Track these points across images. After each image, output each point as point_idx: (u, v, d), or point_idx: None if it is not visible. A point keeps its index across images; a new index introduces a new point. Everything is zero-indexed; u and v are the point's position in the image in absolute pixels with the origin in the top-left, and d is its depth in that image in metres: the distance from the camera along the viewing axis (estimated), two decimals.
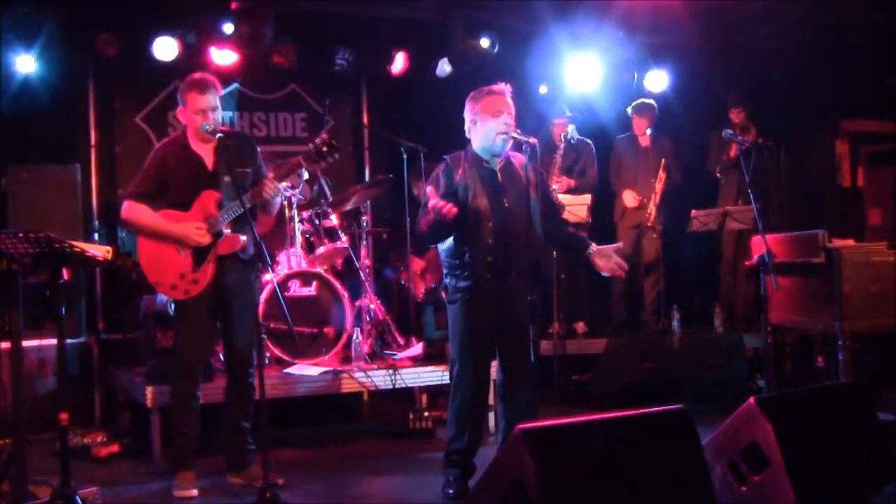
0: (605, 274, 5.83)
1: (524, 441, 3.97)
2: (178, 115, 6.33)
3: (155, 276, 6.08)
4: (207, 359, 6.37)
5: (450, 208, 5.42)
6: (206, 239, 6.00)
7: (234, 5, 8.59)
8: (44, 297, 5.73)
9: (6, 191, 8.24)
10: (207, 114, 6.05)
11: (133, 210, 6.08)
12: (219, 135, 5.88)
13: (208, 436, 6.39)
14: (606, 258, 5.76)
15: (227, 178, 6.03)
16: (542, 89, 10.37)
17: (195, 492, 6.03)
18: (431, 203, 5.46)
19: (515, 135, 5.68)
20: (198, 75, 6.22)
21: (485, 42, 9.51)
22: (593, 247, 5.81)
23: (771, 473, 4.45)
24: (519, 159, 5.85)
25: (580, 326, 9.73)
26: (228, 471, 6.33)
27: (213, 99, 6.11)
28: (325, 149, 6.03)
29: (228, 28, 8.63)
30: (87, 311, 8.61)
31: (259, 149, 6.44)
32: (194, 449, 6.18)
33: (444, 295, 5.98)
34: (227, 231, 6.06)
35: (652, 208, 9.63)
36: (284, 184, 8.21)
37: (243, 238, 6.07)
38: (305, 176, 8.73)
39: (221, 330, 6.28)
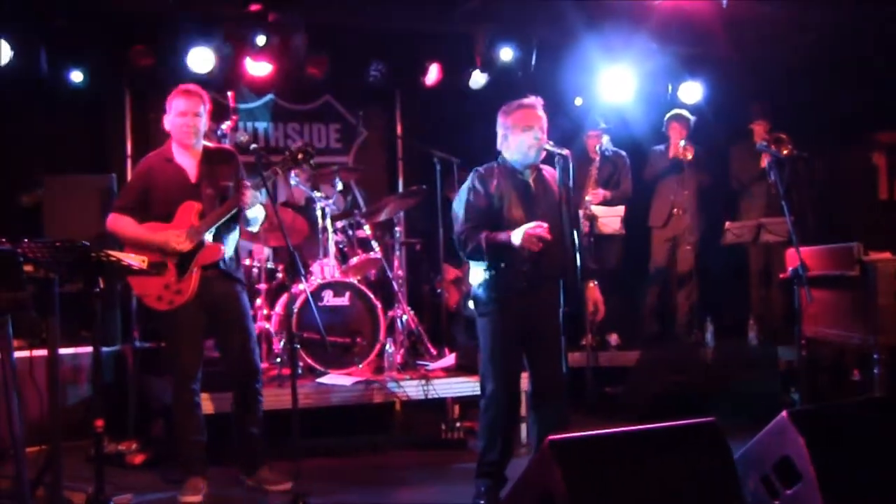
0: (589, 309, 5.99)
1: (554, 453, 3.96)
2: (163, 124, 6.36)
3: (140, 288, 6.15)
4: (200, 365, 6.33)
5: (543, 237, 5.48)
6: (184, 245, 6.04)
7: (269, 17, 8.63)
8: (80, 306, 5.78)
9: (43, 200, 8.32)
10: (187, 117, 6.15)
11: (117, 222, 6.20)
12: (244, 141, 6.02)
13: (219, 444, 6.43)
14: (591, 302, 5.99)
15: (209, 191, 6.12)
16: (578, 101, 10.36)
17: (200, 497, 6.07)
18: (532, 231, 5.48)
19: (548, 146, 5.69)
20: (185, 85, 6.33)
21: (509, 53, 9.51)
22: (591, 284, 6.00)
23: (803, 487, 4.41)
24: (550, 172, 5.86)
25: (613, 338, 9.69)
26: (240, 474, 6.42)
27: (196, 105, 6.19)
28: (300, 155, 6.10)
29: (261, 39, 8.68)
30: (122, 319, 8.66)
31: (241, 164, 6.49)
32: (201, 455, 6.23)
33: (471, 307, 6.00)
34: (209, 241, 6.11)
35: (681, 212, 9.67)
36: (310, 187, 8.28)
37: (224, 247, 6.13)
38: (339, 187, 8.77)
39: (216, 343, 6.34)
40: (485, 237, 5.63)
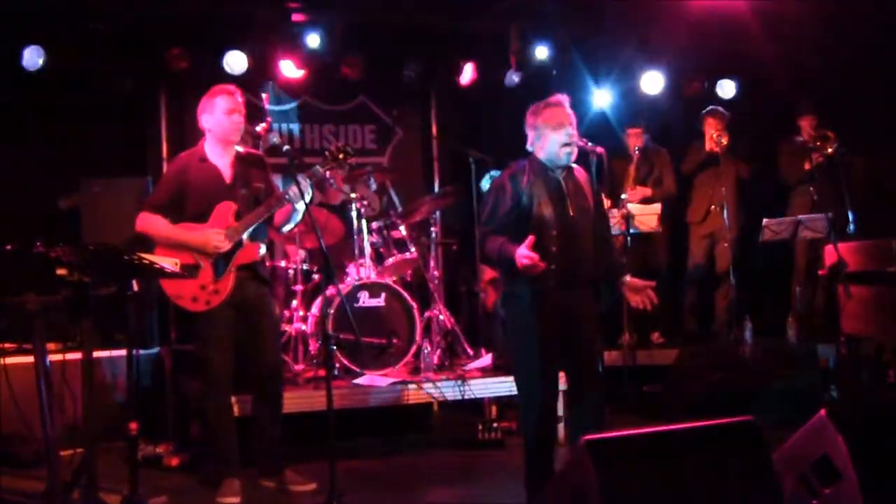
0: (633, 305, 5.79)
1: (589, 452, 3.94)
2: (200, 125, 6.33)
3: (174, 290, 6.11)
4: (233, 368, 6.32)
5: (537, 268, 5.35)
6: (225, 245, 6.05)
7: (301, 17, 8.66)
8: (115, 309, 5.80)
9: (80, 203, 8.38)
10: (235, 115, 6.19)
11: (148, 221, 6.16)
12: (278, 143, 6.07)
13: (241, 447, 6.45)
14: (636, 291, 5.75)
15: (243, 191, 6.16)
16: (600, 97, 10.26)
17: (237, 499, 6.06)
18: (523, 255, 5.30)
19: (581, 144, 5.63)
20: (222, 85, 6.37)
21: (544, 52, 9.47)
22: (627, 278, 5.78)
23: (843, 487, 4.35)
24: (581, 172, 5.79)
25: (655, 336, 9.63)
26: (260, 476, 6.41)
27: (240, 104, 6.25)
28: (340, 155, 6.15)
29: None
30: (159, 322, 8.70)
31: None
32: (236, 458, 6.25)
33: (501, 307, 5.94)
34: (247, 241, 6.14)
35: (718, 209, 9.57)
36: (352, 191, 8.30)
37: (262, 248, 6.17)
38: (374, 187, 8.77)
39: (246, 344, 6.30)
40: (499, 247, 5.50)
